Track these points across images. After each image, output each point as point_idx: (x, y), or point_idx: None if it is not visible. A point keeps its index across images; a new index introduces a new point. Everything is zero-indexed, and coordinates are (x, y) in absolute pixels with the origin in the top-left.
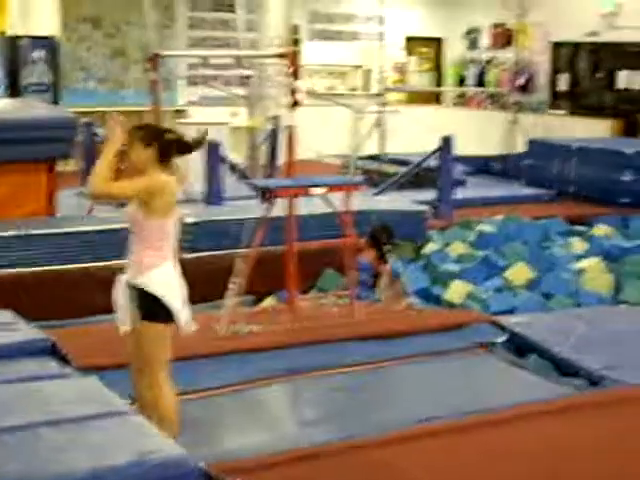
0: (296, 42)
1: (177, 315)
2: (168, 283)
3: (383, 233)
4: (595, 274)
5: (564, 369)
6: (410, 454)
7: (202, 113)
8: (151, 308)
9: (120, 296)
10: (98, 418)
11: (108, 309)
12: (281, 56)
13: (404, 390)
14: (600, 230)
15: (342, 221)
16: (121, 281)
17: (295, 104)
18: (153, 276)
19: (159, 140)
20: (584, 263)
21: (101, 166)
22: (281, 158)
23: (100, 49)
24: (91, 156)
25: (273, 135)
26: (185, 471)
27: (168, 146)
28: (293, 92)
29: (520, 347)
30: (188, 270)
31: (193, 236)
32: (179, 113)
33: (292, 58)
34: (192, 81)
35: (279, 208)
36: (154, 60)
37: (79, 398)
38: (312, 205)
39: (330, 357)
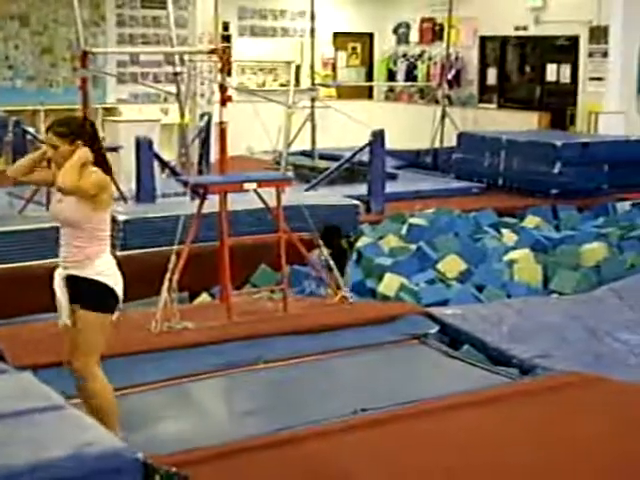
0: (226, 38)
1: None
2: (115, 273)
3: (333, 231)
4: (525, 265)
5: (496, 359)
6: (346, 445)
7: (132, 111)
8: (101, 298)
9: (60, 293)
10: (35, 412)
11: (45, 308)
12: (212, 52)
13: (339, 382)
14: (530, 221)
15: (274, 216)
16: (60, 275)
17: (226, 101)
18: (101, 266)
19: (83, 136)
20: (514, 254)
21: (73, 165)
22: (212, 155)
23: (28, 47)
24: (20, 154)
25: (204, 132)
26: (123, 462)
27: (92, 140)
28: (224, 89)
29: (453, 338)
30: (121, 268)
31: (125, 234)
32: (109, 111)
33: (223, 54)
34: (121, 79)
35: (211, 204)
36: (84, 57)
37: (15, 393)
38: (244, 201)
39: (264, 352)
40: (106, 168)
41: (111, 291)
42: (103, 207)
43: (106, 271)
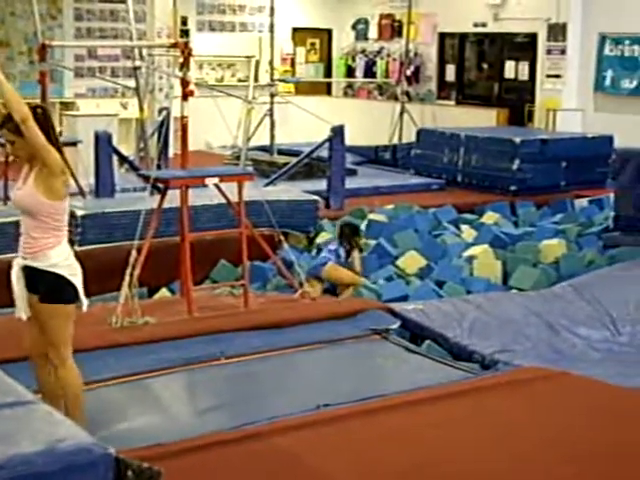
0: (185, 33)
1: (81, 293)
2: (71, 263)
3: (348, 228)
4: (485, 261)
5: (457, 354)
6: (308, 441)
7: (90, 105)
8: (58, 289)
9: (16, 282)
10: (4, 408)
11: (4, 302)
12: (174, 46)
13: (300, 378)
14: (489, 218)
15: (235, 211)
16: (18, 265)
17: (188, 95)
18: (56, 257)
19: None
20: (474, 250)
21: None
22: (171, 150)
23: None
24: None
25: (163, 126)
26: (96, 458)
27: (46, 128)
28: (186, 83)
29: (414, 334)
30: (79, 263)
31: (83, 229)
32: (67, 105)
33: (183, 49)
34: (79, 73)
35: (171, 200)
36: (43, 51)
37: None
38: (204, 196)
39: (225, 347)
40: (62, 158)
41: (67, 282)
42: (58, 196)
43: (61, 262)
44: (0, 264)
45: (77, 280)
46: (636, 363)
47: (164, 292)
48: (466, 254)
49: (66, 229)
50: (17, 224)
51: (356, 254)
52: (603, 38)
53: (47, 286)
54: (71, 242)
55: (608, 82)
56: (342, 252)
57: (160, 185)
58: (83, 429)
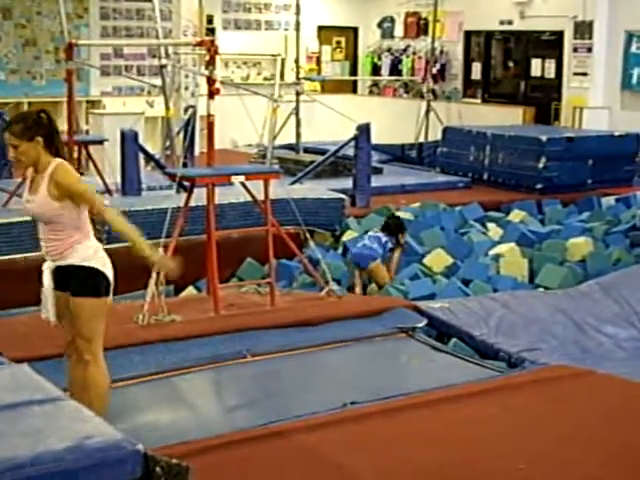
0: (211, 31)
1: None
2: (102, 256)
3: (394, 222)
4: (511, 259)
5: (484, 352)
6: (335, 438)
7: (116, 103)
8: (90, 282)
9: (47, 284)
10: (33, 404)
11: (29, 301)
12: (199, 45)
13: (327, 375)
14: (515, 216)
15: (262, 210)
16: (49, 268)
17: (214, 93)
18: (86, 251)
19: (40, 131)
20: (500, 249)
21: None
22: (197, 148)
23: (11, 39)
24: (1, 148)
25: (189, 125)
26: (124, 454)
27: (50, 133)
28: (212, 81)
29: (441, 332)
30: None
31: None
32: (93, 104)
33: (209, 47)
34: (105, 71)
35: (197, 198)
36: (69, 50)
37: (12, 386)
38: (230, 194)
39: (251, 345)
40: (63, 157)
41: (100, 273)
42: (75, 205)
43: (91, 255)
44: (25, 263)
45: (109, 272)
46: None
47: (191, 290)
48: (492, 252)
49: (89, 222)
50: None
51: (397, 254)
52: (630, 36)
53: (79, 280)
54: (99, 240)
55: (635, 80)
56: (384, 237)
57: (186, 183)
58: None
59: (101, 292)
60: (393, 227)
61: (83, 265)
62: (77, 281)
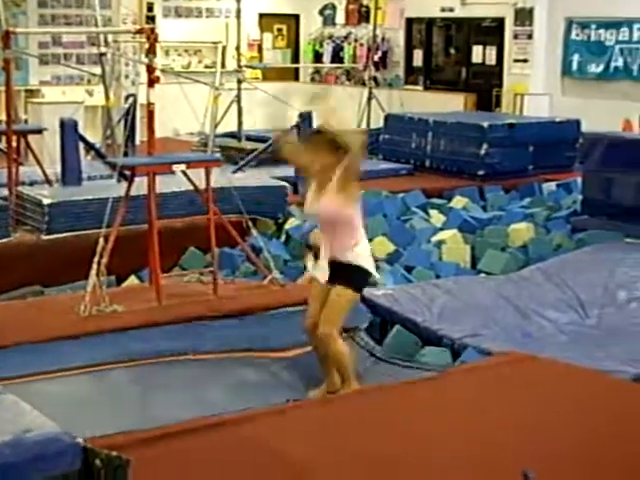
0: (151, 19)
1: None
2: (370, 257)
3: None
4: (453, 246)
5: (427, 339)
6: (277, 429)
7: (55, 92)
8: (356, 278)
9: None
10: None
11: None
12: (139, 32)
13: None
14: (458, 202)
15: (203, 198)
16: (325, 260)
17: (154, 81)
18: (360, 252)
19: (344, 145)
20: (443, 235)
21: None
22: (138, 137)
23: None
24: None
25: (129, 114)
26: (63, 447)
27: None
28: (151, 69)
29: (384, 319)
30: (46, 252)
31: (50, 217)
32: (31, 93)
33: (149, 35)
34: (44, 60)
35: (139, 187)
36: (6, 38)
37: None
38: (172, 183)
39: (194, 335)
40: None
41: (365, 272)
42: (355, 200)
43: (363, 256)
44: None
45: (373, 271)
46: (604, 346)
47: (133, 280)
48: (435, 239)
49: (362, 228)
50: None
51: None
52: (570, 22)
53: (349, 274)
54: (38, 230)
55: (575, 66)
56: None
57: (127, 172)
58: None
59: (359, 287)
60: None
61: (355, 264)
62: (346, 274)
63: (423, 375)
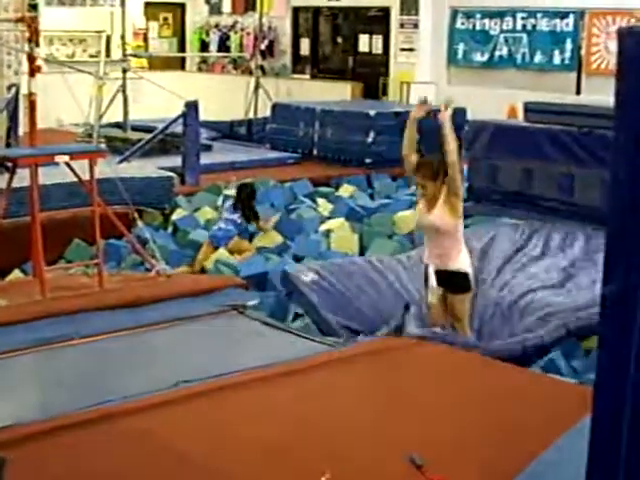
0: (33, 7)
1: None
2: (469, 263)
3: (245, 191)
4: (342, 234)
5: (318, 326)
6: (164, 420)
7: None
8: (464, 284)
9: (432, 280)
10: None
11: None
12: (19, 21)
13: (158, 356)
14: (345, 190)
15: (87, 190)
16: (432, 269)
17: (35, 71)
18: (463, 260)
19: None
20: (331, 224)
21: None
22: (21, 128)
23: None
24: None
25: (12, 104)
26: None
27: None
28: (32, 59)
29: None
30: None
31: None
32: None
33: (30, 24)
34: None
35: (21, 179)
36: None
37: None
38: (56, 175)
39: (79, 327)
40: None
41: (467, 276)
42: (459, 214)
43: (465, 263)
44: None
45: (472, 274)
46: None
47: (17, 273)
48: (323, 228)
49: (462, 237)
50: None
51: (268, 225)
52: (455, 12)
53: (457, 282)
54: None
55: (460, 55)
56: (238, 219)
57: (8, 164)
58: None
59: (469, 289)
60: (244, 197)
61: (460, 271)
62: (455, 282)
63: (318, 350)
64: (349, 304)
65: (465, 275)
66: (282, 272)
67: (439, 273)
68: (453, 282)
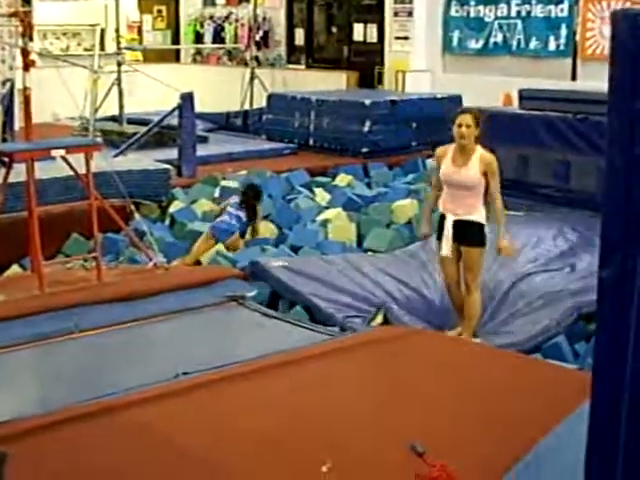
0: (27, 1)
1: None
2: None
3: (251, 192)
4: (339, 224)
5: (315, 315)
6: (166, 411)
7: None
8: (481, 236)
9: (449, 230)
10: None
11: None
12: (13, 15)
13: (157, 348)
14: (342, 180)
15: (84, 183)
16: (451, 220)
17: (29, 66)
18: (483, 213)
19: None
20: (328, 214)
21: None
22: (17, 123)
23: None
24: None
25: (7, 99)
26: None
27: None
28: (26, 53)
29: (274, 298)
30: None
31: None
32: None
33: (23, 18)
34: None
35: (18, 174)
36: None
37: None
38: (52, 169)
39: (78, 321)
40: None
41: (484, 229)
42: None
43: (483, 216)
44: None
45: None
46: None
47: (15, 269)
48: (320, 218)
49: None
50: None
51: (262, 226)
52: None
53: (474, 233)
54: None
55: (455, 43)
56: (243, 216)
57: (5, 159)
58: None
59: (484, 243)
60: (250, 197)
61: (479, 222)
62: (472, 234)
63: (317, 339)
64: (322, 285)
65: (482, 227)
66: (250, 262)
67: (456, 224)
68: (470, 233)
